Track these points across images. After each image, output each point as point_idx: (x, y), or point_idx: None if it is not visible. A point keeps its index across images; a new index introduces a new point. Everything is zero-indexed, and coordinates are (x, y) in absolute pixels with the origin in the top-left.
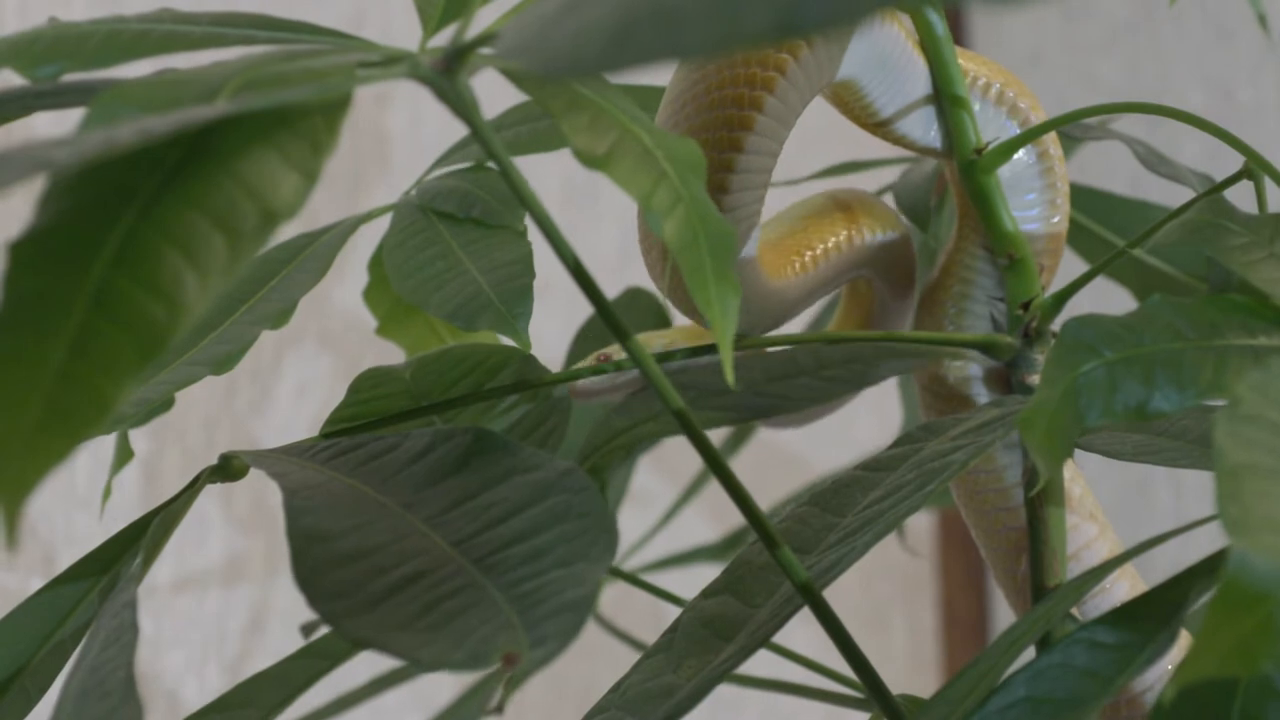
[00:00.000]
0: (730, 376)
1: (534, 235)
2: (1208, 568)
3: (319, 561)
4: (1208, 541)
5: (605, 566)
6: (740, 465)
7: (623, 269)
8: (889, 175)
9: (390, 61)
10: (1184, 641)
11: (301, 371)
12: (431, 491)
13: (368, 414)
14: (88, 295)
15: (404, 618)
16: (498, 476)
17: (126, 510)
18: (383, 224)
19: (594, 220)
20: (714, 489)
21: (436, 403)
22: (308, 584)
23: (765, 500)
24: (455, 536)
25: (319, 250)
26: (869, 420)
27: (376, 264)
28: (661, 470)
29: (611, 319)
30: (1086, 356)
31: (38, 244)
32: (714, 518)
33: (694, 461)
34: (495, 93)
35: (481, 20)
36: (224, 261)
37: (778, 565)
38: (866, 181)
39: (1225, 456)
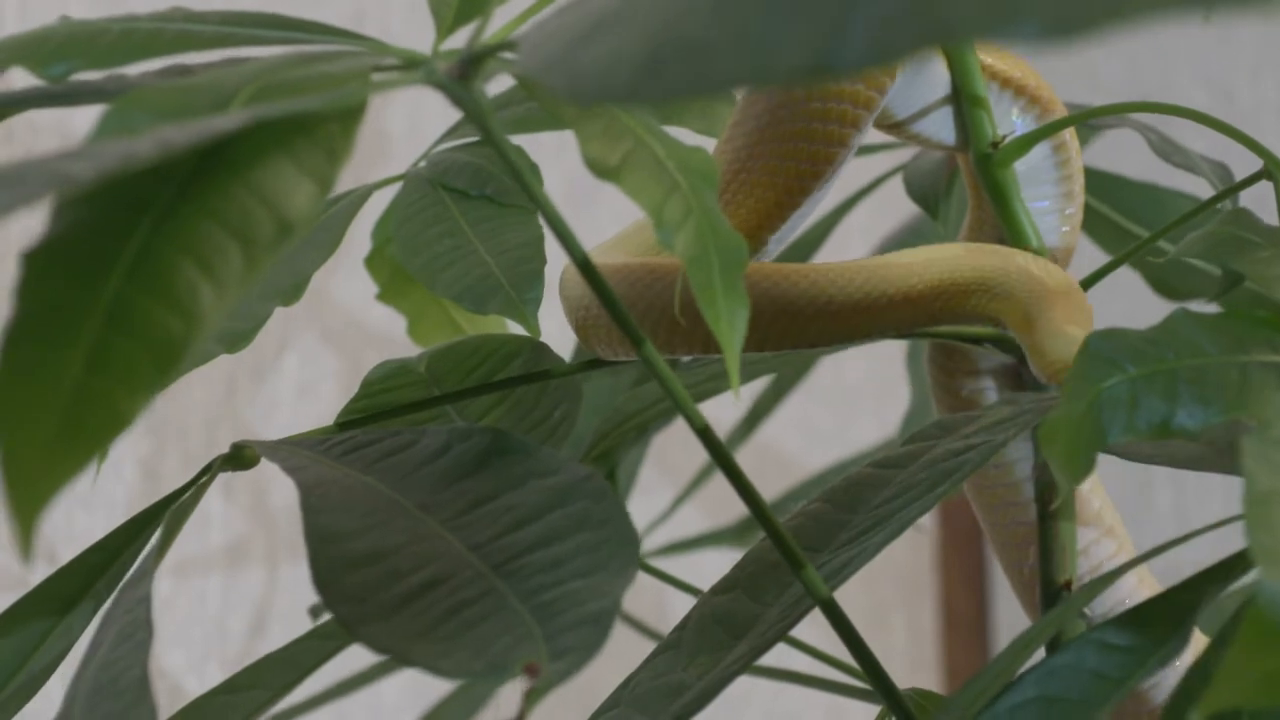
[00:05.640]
0: (736, 385)
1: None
2: (1222, 572)
3: (335, 562)
4: (1207, 541)
5: (627, 581)
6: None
7: None
8: (898, 158)
9: (406, 66)
10: (1197, 641)
11: (303, 370)
12: (448, 492)
13: (381, 405)
14: (102, 308)
15: (422, 626)
16: (516, 479)
17: (128, 509)
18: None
19: (599, 214)
20: (713, 485)
21: (450, 393)
22: (325, 585)
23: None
24: (473, 540)
25: (329, 222)
26: (868, 421)
27: (381, 229)
28: (661, 466)
29: (621, 316)
30: (1109, 371)
31: (51, 255)
32: (714, 514)
33: (693, 459)
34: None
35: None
36: (240, 272)
37: (788, 563)
38: (877, 165)
39: (1255, 482)
